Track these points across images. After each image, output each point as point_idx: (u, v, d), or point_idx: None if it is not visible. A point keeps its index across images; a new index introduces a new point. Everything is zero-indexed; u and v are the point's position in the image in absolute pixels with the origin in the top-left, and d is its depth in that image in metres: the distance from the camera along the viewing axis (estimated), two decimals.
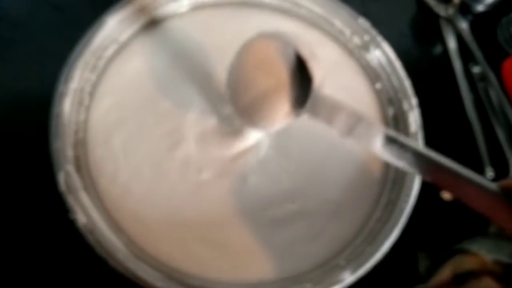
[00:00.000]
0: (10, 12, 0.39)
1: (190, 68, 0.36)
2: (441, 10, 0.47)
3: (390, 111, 0.38)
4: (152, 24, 0.37)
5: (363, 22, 0.38)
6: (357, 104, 0.37)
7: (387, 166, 0.36)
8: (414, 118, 0.36)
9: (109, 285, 0.32)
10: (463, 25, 0.47)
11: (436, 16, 0.47)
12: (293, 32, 0.39)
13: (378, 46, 0.38)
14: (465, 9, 0.47)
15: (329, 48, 0.39)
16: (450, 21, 0.47)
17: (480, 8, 0.48)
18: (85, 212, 0.30)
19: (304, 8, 0.39)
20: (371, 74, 0.39)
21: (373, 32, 0.38)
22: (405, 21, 0.47)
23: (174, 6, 0.37)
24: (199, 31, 0.37)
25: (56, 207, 0.30)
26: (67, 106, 0.32)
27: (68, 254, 0.32)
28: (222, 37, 0.37)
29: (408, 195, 0.34)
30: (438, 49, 0.47)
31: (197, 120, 0.35)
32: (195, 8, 0.38)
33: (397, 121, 0.37)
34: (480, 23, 0.47)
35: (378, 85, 0.38)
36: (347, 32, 0.39)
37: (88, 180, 0.32)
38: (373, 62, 0.38)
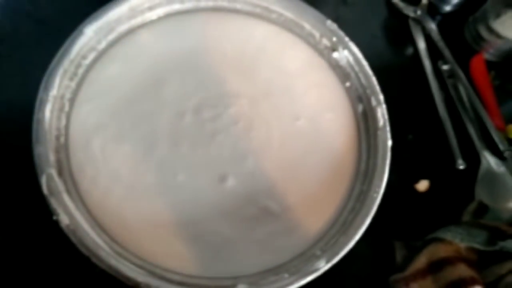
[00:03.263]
0: None
1: (165, 72, 0.37)
2: (410, 12, 0.48)
3: (360, 107, 0.39)
4: (129, 32, 0.38)
5: (330, 24, 0.40)
6: (329, 101, 0.39)
7: (358, 159, 0.38)
8: (381, 113, 0.38)
9: (92, 283, 0.33)
10: (432, 25, 0.48)
11: (405, 18, 0.49)
12: (265, 35, 0.40)
13: (346, 46, 0.39)
14: (433, 10, 0.49)
15: (300, 49, 0.41)
16: (419, 22, 0.48)
17: (447, 8, 0.49)
18: (67, 213, 0.31)
19: (275, 13, 0.40)
20: (341, 73, 0.40)
21: (341, 33, 0.40)
22: (376, 24, 0.49)
23: (150, 14, 0.38)
24: (174, 37, 0.39)
25: (40, 209, 0.31)
26: (48, 112, 0.33)
27: (52, 253, 0.33)
28: (197, 42, 0.39)
29: (379, 185, 0.35)
30: (408, 49, 0.48)
31: (170, 123, 0.36)
32: (170, 15, 0.39)
33: (366, 117, 0.39)
34: (448, 22, 0.49)
35: (347, 83, 0.40)
36: (317, 34, 0.40)
37: (70, 183, 0.33)
38: (342, 62, 0.40)
